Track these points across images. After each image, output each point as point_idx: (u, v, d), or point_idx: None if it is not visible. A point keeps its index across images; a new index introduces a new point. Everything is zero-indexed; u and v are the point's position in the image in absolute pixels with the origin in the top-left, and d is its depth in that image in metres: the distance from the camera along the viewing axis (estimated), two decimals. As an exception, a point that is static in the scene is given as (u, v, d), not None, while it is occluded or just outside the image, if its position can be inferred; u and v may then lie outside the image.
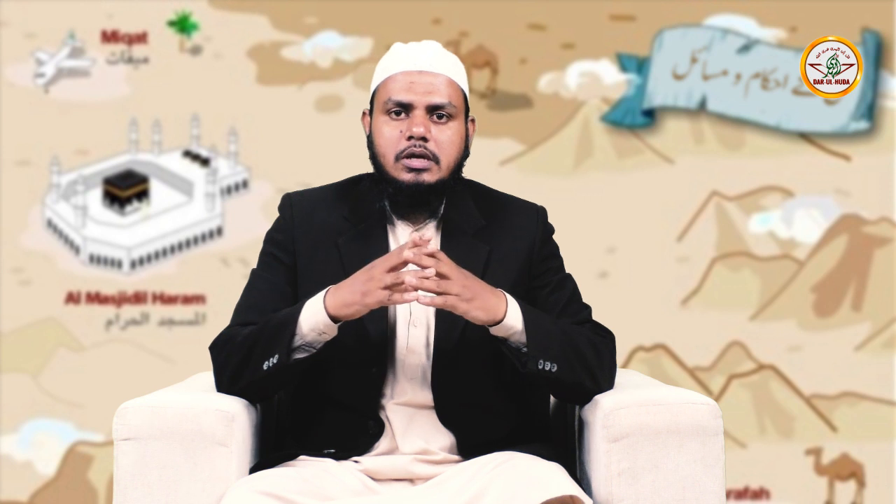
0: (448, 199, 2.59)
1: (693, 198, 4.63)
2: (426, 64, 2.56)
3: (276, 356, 2.43)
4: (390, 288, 2.38)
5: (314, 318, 2.42)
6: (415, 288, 2.38)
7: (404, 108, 2.54)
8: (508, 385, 2.57)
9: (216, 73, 4.63)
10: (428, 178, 2.53)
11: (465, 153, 2.60)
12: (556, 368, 2.45)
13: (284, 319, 2.45)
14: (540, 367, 2.44)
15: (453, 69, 2.59)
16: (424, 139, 2.52)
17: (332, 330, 2.44)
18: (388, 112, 2.55)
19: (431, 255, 2.40)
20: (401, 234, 2.59)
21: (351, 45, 4.65)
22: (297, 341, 2.44)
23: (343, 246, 2.56)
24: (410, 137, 2.52)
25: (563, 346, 2.47)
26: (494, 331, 2.45)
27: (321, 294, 2.44)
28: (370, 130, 2.60)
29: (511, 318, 2.44)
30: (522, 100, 4.65)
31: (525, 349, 2.45)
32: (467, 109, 2.61)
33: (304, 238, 2.59)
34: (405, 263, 2.38)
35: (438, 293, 2.38)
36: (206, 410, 2.44)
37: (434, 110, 2.54)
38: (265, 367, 2.45)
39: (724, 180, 4.63)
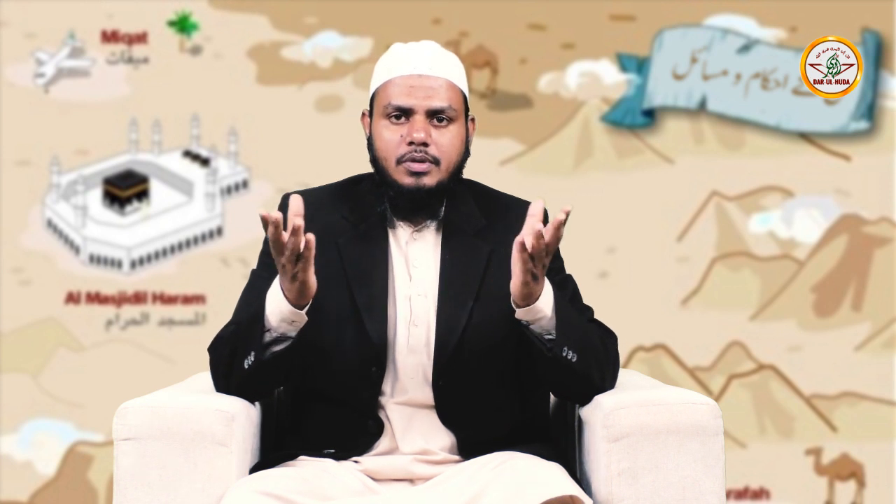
0: (448, 200, 2.60)
1: (693, 198, 4.63)
2: (426, 67, 2.56)
3: (253, 354, 2.44)
4: (293, 262, 2.34)
5: (278, 309, 2.42)
6: (533, 229, 2.34)
7: (404, 113, 2.54)
8: (509, 385, 2.58)
9: (216, 73, 4.63)
10: (428, 181, 2.54)
11: (465, 154, 2.60)
12: (576, 359, 2.45)
13: (253, 317, 2.45)
14: (563, 353, 2.44)
15: (453, 71, 2.59)
16: (425, 144, 2.52)
17: (300, 317, 2.42)
18: (388, 116, 2.55)
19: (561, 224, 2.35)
20: (400, 235, 2.59)
21: (351, 45, 4.65)
22: (270, 336, 2.44)
23: (343, 246, 2.56)
24: (411, 143, 2.52)
25: (583, 338, 2.48)
26: (521, 313, 2.44)
27: (276, 282, 2.42)
28: (370, 133, 2.60)
29: (542, 301, 2.43)
30: (522, 100, 4.65)
31: (548, 336, 2.44)
32: (467, 109, 2.62)
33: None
34: (276, 231, 2.31)
35: (535, 250, 2.34)
36: (206, 410, 2.44)
37: (434, 114, 2.54)
38: (246, 366, 2.45)
39: (724, 180, 4.63)
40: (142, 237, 4.62)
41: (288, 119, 4.61)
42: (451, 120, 2.56)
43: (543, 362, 2.47)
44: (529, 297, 2.41)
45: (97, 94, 4.62)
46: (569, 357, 2.45)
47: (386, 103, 2.55)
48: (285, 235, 2.31)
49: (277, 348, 2.45)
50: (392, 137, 2.54)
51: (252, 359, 2.44)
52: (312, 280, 2.38)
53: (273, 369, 2.47)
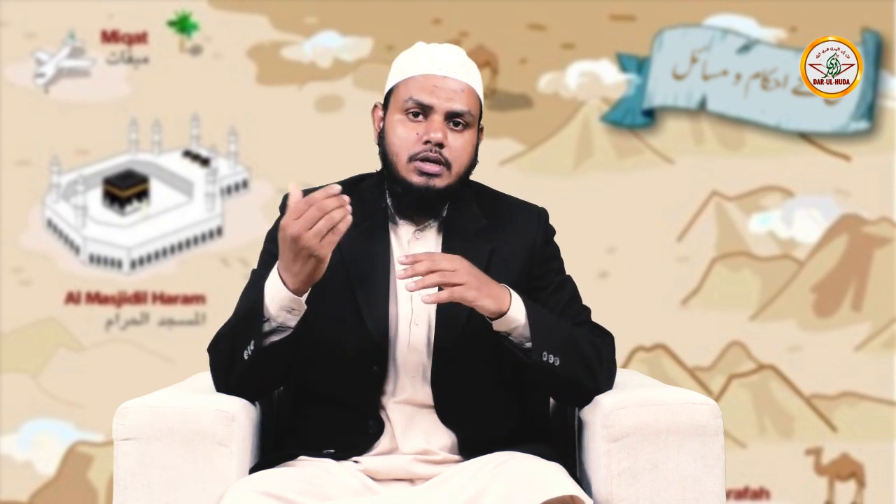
0: (451, 201, 2.60)
1: (693, 198, 4.63)
2: (450, 70, 2.56)
3: (252, 343, 2.43)
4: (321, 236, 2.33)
5: (277, 296, 2.41)
6: (415, 288, 2.38)
7: (423, 111, 2.54)
8: (508, 384, 2.58)
9: (216, 73, 4.63)
10: (438, 183, 2.53)
11: (474, 161, 2.60)
12: (558, 362, 2.46)
13: (252, 305, 2.44)
14: (544, 358, 2.44)
15: (474, 79, 2.60)
16: (441, 145, 2.52)
17: (299, 304, 2.41)
18: (407, 111, 2.55)
19: (420, 260, 2.39)
20: (402, 234, 2.59)
21: (351, 45, 4.65)
22: (270, 325, 2.43)
23: (345, 245, 2.56)
24: (427, 142, 2.52)
25: (564, 341, 2.48)
26: (497, 324, 2.45)
27: (275, 271, 2.42)
28: (382, 126, 2.60)
29: (515, 310, 2.44)
30: (522, 100, 4.65)
31: (528, 344, 2.45)
32: (480, 119, 2.62)
33: (305, 237, 2.59)
34: (303, 206, 2.33)
35: (445, 285, 2.38)
36: (206, 410, 2.44)
37: (452, 117, 2.54)
38: (245, 356, 2.44)
39: (724, 180, 4.64)
40: (142, 237, 4.62)
41: (288, 119, 4.61)
42: (467, 125, 2.56)
43: (528, 369, 2.47)
44: (498, 301, 2.42)
45: (97, 94, 4.62)
46: (550, 361, 2.45)
47: (406, 98, 2.55)
48: (330, 200, 2.31)
49: (277, 338, 2.44)
50: (408, 134, 2.54)
51: (252, 348, 2.43)
52: (325, 264, 2.37)
53: (272, 360, 2.46)
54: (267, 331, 2.43)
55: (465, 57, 2.62)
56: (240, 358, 2.46)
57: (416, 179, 2.53)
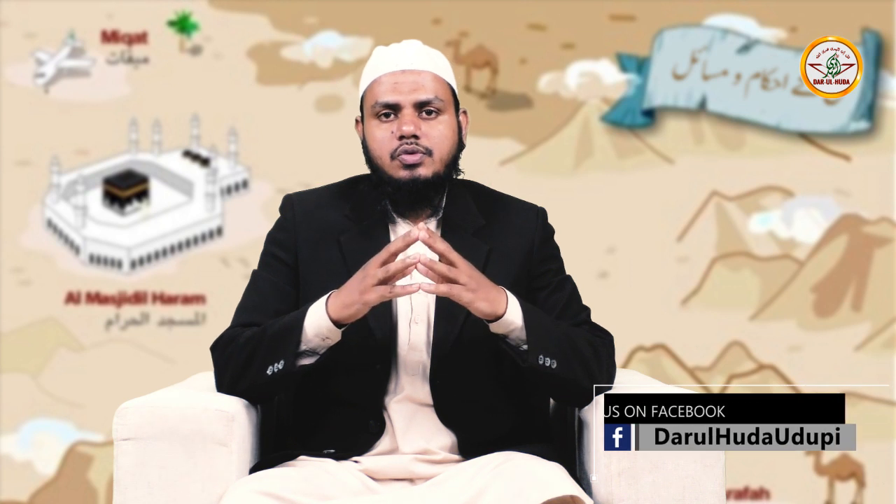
0: (448, 196, 2.60)
1: (693, 198, 4.63)
2: (408, 63, 2.58)
3: (282, 362, 2.44)
4: (386, 282, 2.38)
5: (317, 322, 2.43)
6: (425, 271, 2.38)
7: (392, 109, 2.56)
8: (508, 384, 2.58)
9: (216, 73, 4.63)
10: (423, 172, 2.54)
11: (459, 146, 2.60)
12: (555, 365, 2.45)
13: (289, 325, 2.45)
14: (540, 362, 2.44)
15: (436, 64, 2.60)
16: (415, 136, 2.53)
17: (336, 335, 2.44)
18: (378, 115, 2.57)
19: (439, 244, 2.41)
20: (401, 232, 2.59)
21: (351, 45, 4.65)
22: (302, 347, 2.44)
23: (345, 244, 2.57)
24: (402, 137, 2.53)
25: (561, 343, 2.48)
26: (494, 327, 2.45)
27: (323, 298, 2.44)
28: (364, 136, 2.61)
29: (511, 313, 2.44)
30: (522, 100, 4.65)
31: (524, 346, 2.45)
32: (457, 103, 2.62)
33: (306, 237, 2.59)
34: (395, 256, 2.39)
35: (446, 280, 2.38)
36: (206, 410, 2.44)
37: (422, 107, 2.55)
38: (269, 372, 2.45)
39: (724, 180, 4.64)
40: (142, 237, 4.62)
41: (288, 119, 4.61)
42: (439, 111, 2.56)
43: (525, 372, 2.47)
44: (494, 304, 2.42)
45: (97, 94, 4.62)
46: (547, 364, 2.45)
47: (373, 102, 2.57)
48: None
49: (305, 362, 2.46)
50: (383, 135, 2.55)
51: (280, 366, 2.44)
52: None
53: (293, 379, 2.48)
54: (298, 352, 2.44)
55: (424, 47, 2.62)
56: (260, 372, 2.47)
57: (401, 174, 2.54)
